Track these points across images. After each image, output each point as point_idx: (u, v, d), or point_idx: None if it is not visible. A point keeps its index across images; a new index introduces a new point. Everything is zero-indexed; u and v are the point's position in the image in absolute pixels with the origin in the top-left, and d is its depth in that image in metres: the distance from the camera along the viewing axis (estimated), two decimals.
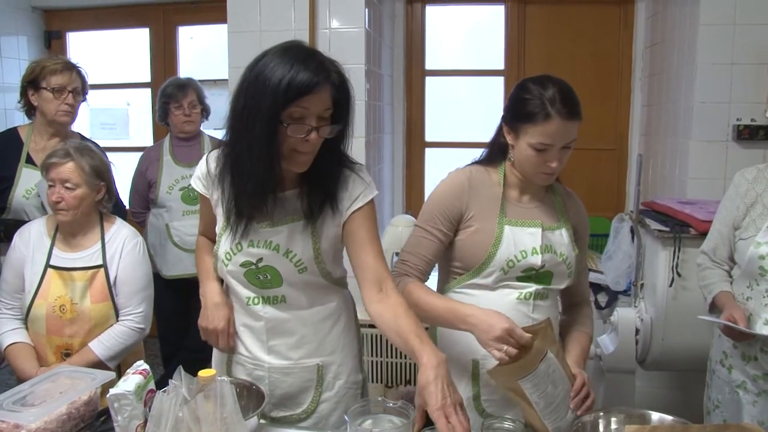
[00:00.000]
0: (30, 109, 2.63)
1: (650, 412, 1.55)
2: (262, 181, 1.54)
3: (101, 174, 2.25)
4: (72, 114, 2.63)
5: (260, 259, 1.64)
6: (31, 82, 2.57)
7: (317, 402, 1.75)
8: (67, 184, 2.17)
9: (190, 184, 3.20)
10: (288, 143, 1.51)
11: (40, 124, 2.64)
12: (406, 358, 3.00)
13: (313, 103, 1.48)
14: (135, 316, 2.25)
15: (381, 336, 3.01)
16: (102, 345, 2.18)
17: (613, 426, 1.52)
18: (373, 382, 3.06)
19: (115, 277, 2.23)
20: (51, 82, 2.54)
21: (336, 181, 1.65)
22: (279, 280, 1.66)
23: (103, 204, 2.29)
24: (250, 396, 1.60)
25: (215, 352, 1.82)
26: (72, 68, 2.61)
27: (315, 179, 1.62)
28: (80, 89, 2.64)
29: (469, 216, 1.74)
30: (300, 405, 1.75)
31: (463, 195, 1.75)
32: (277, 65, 1.47)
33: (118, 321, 2.24)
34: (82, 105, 2.66)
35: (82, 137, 2.82)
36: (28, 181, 2.56)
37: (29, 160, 2.60)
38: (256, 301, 1.69)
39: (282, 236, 1.63)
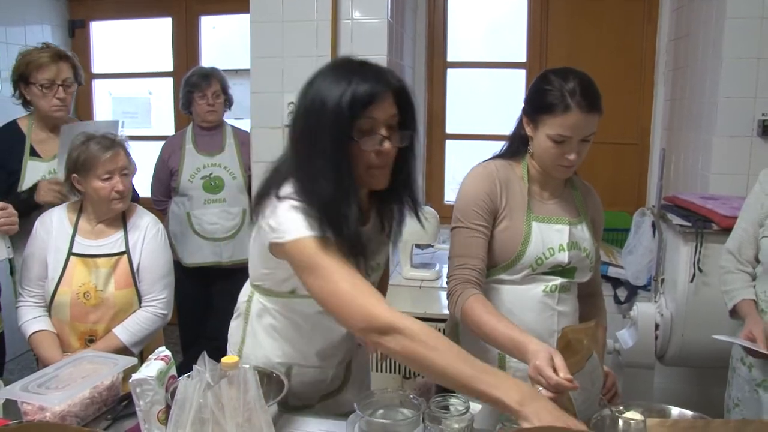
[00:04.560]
0: (25, 102, 2.56)
1: (670, 407, 1.54)
2: (339, 204, 1.42)
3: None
4: (65, 108, 2.54)
5: None
6: (21, 77, 2.49)
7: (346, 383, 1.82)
8: (125, 171, 2.21)
9: (212, 173, 3.28)
10: (363, 160, 1.45)
11: (38, 117, 2.58)
12: None
13: (379, 111, 1.42)
14: (158, 302, 2.28)
15: None
16: (126, 331, 2.20)
17: (632, 421, 1.51)
18: (390, 372, 3.06)
19: (138, 264, 2.26)
20: (39, 78, 2.46)
21: (412, 191, 1.62)
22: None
23: None
24: (270, 384, 1.61)
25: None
26: (59, 59, 2.50)
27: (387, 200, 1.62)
28: (72, 79, 2.55)
29: (503, 212, 1.74)
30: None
31: (497, 189, 1.75)
32: (332, 83, 1.42)
33: (141, 307, 2.26)
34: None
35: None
36: (34, 174, 2.52)
37: (33, 153, 2.56)
38: None
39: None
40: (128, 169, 2.23)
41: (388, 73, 1.48)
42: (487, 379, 1.27)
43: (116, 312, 2.22)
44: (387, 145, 1.44)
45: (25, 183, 2.52)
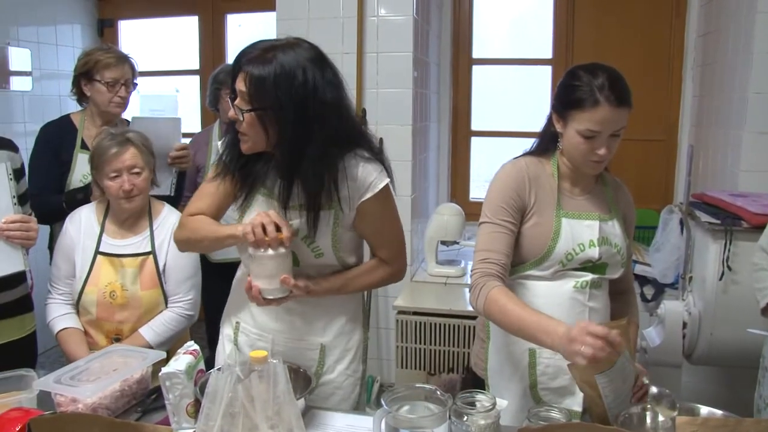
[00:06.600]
0: (81, 97, 2.71)
1: (699, 405, 1.53)
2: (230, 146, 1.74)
3: (152, 153, 2.31)
4: (124, 105, 2.72)
5: None
6: (85, 74, 2.64)
7: (315, 383, 1.77)
8: (135, 170, 2.19)
9: None
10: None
11: (92, 112, 2.72)
12: (448, 345, 3.01)
13: (237, 83, 1.66)
14: (184, 303, 2.27)
15: (424, 323, 3.02)
16: (152, 331, 2.20)
17: (661, 418, 1.50)
18: (415, 369, 3.07)
19: (164, 265, 2.25)
20: (105, 76, 2.62)
21: (319, 173, 1.60)
22: (296, 261, 1.71)
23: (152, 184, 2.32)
24: (297, 378, 1.63)
25: (225, 327, 1.95)
26: (124, 61, 2.69)
27: (299, 171, 1.61)
28: (131, 80, 2.72)
29: (531, 208, 1.74)
30: None
31: (526, 186, 1.74)
32: None
33: (167, 307, 2.26)
34: (133, 92, 2.74)
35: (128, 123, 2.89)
36: (83, 166, 2.60)
37: (84, 146, 2.67)
38: None
39: (305, 221, 1.65)
40: (139, 168, 2.21)
41: (248, 54, 1.70)
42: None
43: (143, 312, 2.21)
44: (231, 112, 1.63)
45: (74, 174, 2.65)
